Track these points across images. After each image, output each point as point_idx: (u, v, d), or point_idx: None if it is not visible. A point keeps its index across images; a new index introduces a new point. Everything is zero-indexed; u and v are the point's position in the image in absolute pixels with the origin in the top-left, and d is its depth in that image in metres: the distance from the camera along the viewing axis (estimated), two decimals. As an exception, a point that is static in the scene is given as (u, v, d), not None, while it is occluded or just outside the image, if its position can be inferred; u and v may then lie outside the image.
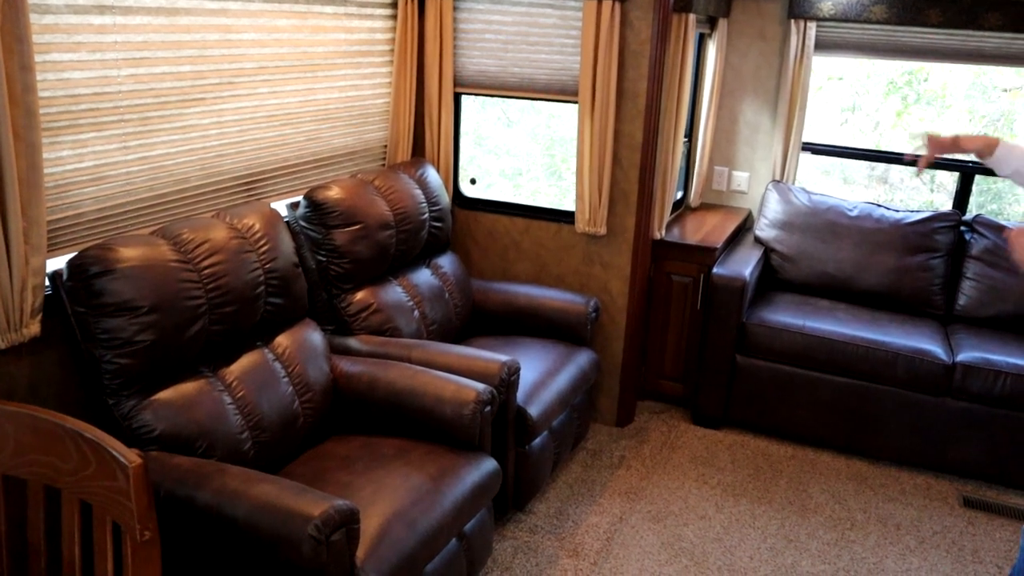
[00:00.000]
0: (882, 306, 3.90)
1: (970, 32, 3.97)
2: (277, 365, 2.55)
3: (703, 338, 3.72)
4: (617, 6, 3.24)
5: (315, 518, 1.86)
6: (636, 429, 3.79)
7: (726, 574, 2.86)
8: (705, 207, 4.47)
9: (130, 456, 1.56)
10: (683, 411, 3.97)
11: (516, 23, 3.50)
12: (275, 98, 2.92)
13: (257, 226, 2.52)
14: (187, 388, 2.27)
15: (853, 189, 6.07)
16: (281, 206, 3.01)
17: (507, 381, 2.73)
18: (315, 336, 2.73)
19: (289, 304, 2.62)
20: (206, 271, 2.30)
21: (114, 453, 1.57)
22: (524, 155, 6.42)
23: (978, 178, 5.10)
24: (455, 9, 3.55)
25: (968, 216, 3.99)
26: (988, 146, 2.40)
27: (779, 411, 3.68)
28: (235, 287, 2.37)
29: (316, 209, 2.91)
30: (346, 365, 2.76)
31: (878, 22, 4.01)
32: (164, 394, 2.21)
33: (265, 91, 2.86)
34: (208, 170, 2.71)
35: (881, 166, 5.87)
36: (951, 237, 3.87)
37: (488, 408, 2.55)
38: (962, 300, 3.83)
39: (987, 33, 3.95)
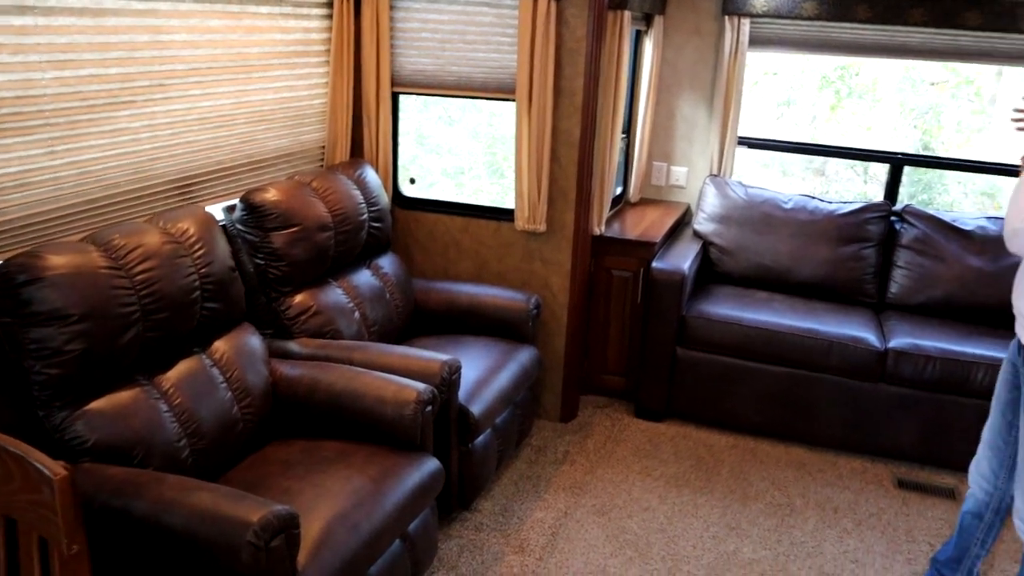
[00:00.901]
0: (818, 296, 3.99)
1: (897, 28, 4.08)
2: (215, 371, 2.52)
3: (644, 332, 3.76)
4: (553, 4, 3.26)
5: (254, 524, 1.85)
6: (580, 424, 3.83)
7: (669, 563, 2.91)
8: (645, 202, 4.52)
9: (55, 468, 1.53)
10: (626, 405, 4.02)
11: (453, 22, 3.50)
12: (208, 100, 2.88)
13: (191, 230, 2.49)
14: (122, 397, 2.23)
15: (792, 181, 6.19)
16: (217, 210, 2.97)
17: (448, 380, 2.74)
18: (254, 340, 2.71)
19: (226, 309, 2.59)
20: (139, 277, 2.26)
21: (38, 466, 1.54)
22: (466, 154, 6.42)
23: (908, 169, 5.25)
24: (392, 8, 3.53)
25: (898, 206, 4.10)
26: None
27: (720, 402, 3.74)
28: (169, 293, 2.33)
29: (253, 212, 2.88)
30: (286, 369, 2.74)
31: (809, 18, 4.10)
32: (97, 404, 2.17)
33: (198, 93, 2.82)
34: (140, 174, 2.66)
35: (819, 159, 6.00)
36: (882, 227, 3.97)
37: (429, 408, 2.55)
38: (894, 288, 3.94)
39: (912, 29, 4.06)
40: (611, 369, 3.98)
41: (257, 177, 3.22)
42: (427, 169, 6.34)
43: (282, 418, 2.70)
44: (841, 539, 3.11)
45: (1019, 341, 2.24)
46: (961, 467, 3.16)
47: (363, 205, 3.29)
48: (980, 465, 2.53)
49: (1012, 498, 2.44)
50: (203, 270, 2.46)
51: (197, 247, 2.47)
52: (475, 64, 3.53)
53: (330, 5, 3.40)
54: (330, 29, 3.43)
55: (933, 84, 6.00)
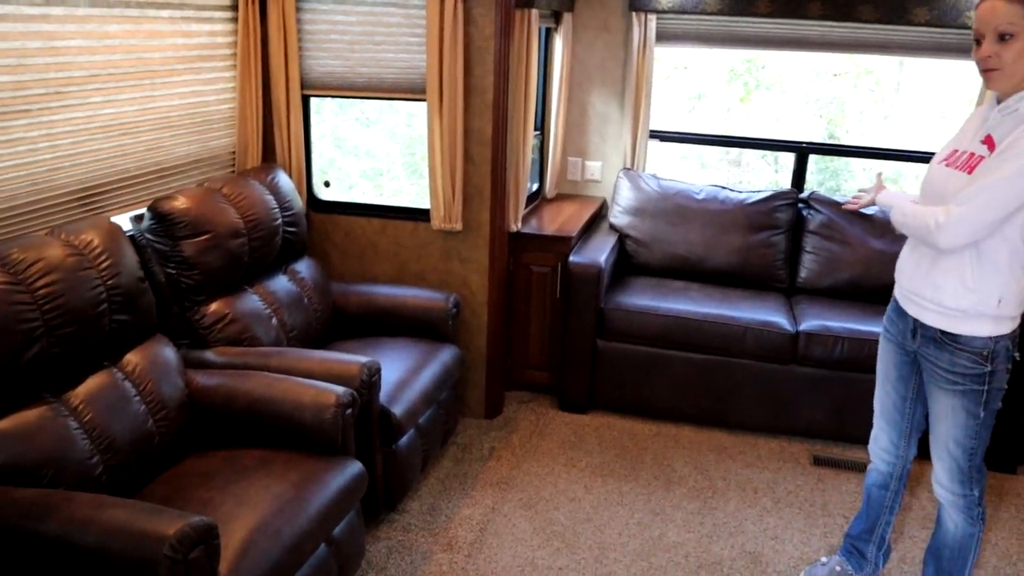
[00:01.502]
0: (732, 283, 4.10)
1: (797, 21, 4.20)
2: (127, 384, 2.46)
3: (564, 326, 3.81)
4: (460, 4, 3.27)
5: (170, 537, 1.82)
6: (505, 420, 3.85)
7: (596, 552, 2.95)
8: (561, 197, 4.57)
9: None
10: (550, 398, 4.06)
11: (361, 23, 3.49)
12: (111, 107, 2.81)
13: (96, 242, 2.42)
14: (27, 416, 2.17)
15: (710, 172, 6.34)
16: (124, 219, 2.90)
17: (368, 382, 2.73)
18: (167, 351, 2.65)
19: (136, 320, 2.53)
20: (40, 292, 2.19)
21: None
22: (384, 155, 6.38)
23: (817, 157, 5.43)
24: (298, 10, 3.50)
25: (805, 193, 4.23)
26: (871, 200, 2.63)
27: (641, 391, 3.81)
28: (74, 307, 2.27)
29: (161, 221, 2.82)
30: (202, 379, 2.69)
31: (713, 13, 4.20)
32: (1, 424, 2.10)
33: (99, 100, 2.75)
34: (40, 186, 2.58)
35: (735, 150, 6.15)
36: (790, 214, 4.10)
37: (349, 411, 2.54)
38: (803, 273, 4.07)
39: (811, 22, 4.19)
40: (534, 364, 4.02)
41: (166, 185, 3.15)
42: (345, 172, 6.28)
43: (201, 429, 2.66)
44: (761, 517, 3.20)
45: (915, 322, 2.34)
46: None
47: (276, 210, 3.25)
48: (879, 439, 2.64)
49: (911, 464, 2.60)
50: (110, 282, 2.40)
51: (102, 259, 2.41)
52: (385, 65, 3.52)
53: (235, 8, 3.34)
54: (236, 32, 3.37)
55: (836, 75, 6.20)
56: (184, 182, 3.24)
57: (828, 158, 5.98)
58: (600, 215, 4.48)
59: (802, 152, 4.50)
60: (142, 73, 2.92)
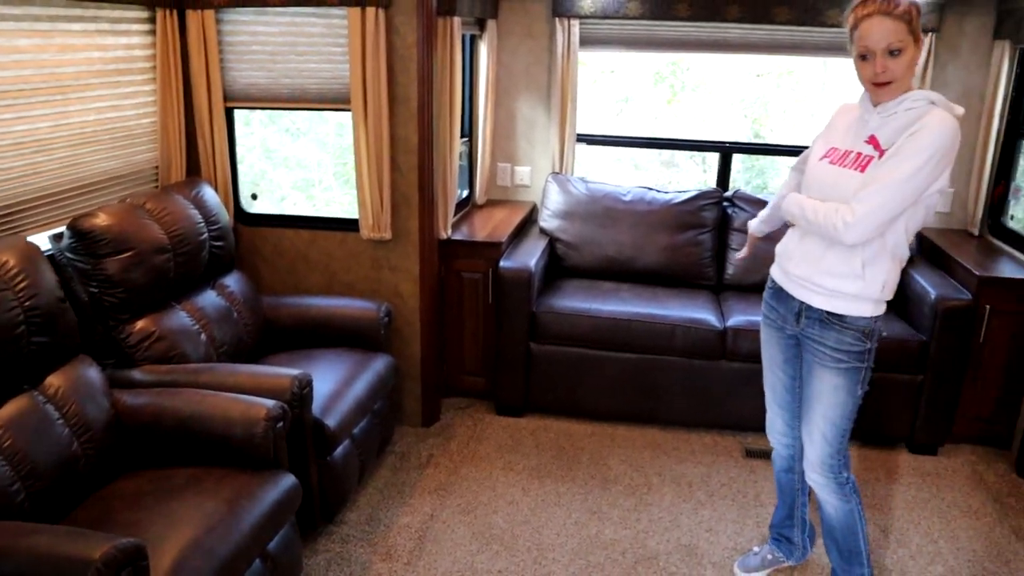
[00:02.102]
0: (661, 282, 4.17)
1: (716, 24, 4.31)
2: (49, 407, 2.41)
3: (497, 331, 3.84)
4: (381, 13, 3.28)
5: (95, 561, 1.79)
6: (442, 427, 3.86)
7: (535, 553, 2.98)
8: (492, 203, 4.60)
9: None
10: (487, 403, 4.08)
11: (283, 33, 3.47)
12: (22, 123, 2.75)
13: (12, 262, 2.37)
14: (-57, 444, 2.11)
15: (643, 174, 6.44)
16: (43, 239, 2.84)
17: (299, 395, 2.71)
18: (91, 372, 2.60)
19: (57, 342, 2.48)
20: (-47, 316, 2.14)
21: None
22: (316, 165, 6.34)
23: (743, 156, 5.56)
24: (218, 21, 3.46)
25: (729, 192, 4.33)
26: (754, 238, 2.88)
27: (576, 392, 3.86)
28: (-10, 330, 2.22)
29: (82, 239, 2.77)
30: (129, 398, 2.65)
31: (634, 17, 4.27)
32: (-85, 453, 2.04)
33: (10, 116, 2.69)
34: (-50, 207, 2.52)
35: (668, 152, 6.26)
36: (716, 213, 4.19)
37: (280, 424, 2.53)
38: (730, 270, 4.17)
39: (730, 24, 4.30)
40: (469, 370, 4.04)
41: (87, 202, 3.09)
42: (276, 183, 6.22)
43: (130, 450, 2.61)
44: (696, 511, 3.27)
45: (801, 305, 2.44)
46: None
47: (202, 224, 3.21)
48: (775, 425, 2.75)
49: None
50: (27, 303, 2.35)
51: (19, 279, 2.35)
52: (309, 75, 3.51)
53: (152, 20, 3.30)
54: (154, 45, 3.33)
55: (759, 75, 6.35)
56: (106, 199, 3.18)
57: (754, 157, 6.11)
58: (530, 220, 4.52)
59: (725, 152, 4.60)
60: (55, 88, 2.86)
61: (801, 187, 2.46)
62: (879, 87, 2.21)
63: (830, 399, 2.42)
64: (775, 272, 2.59)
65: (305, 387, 2.75)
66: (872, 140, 2.26)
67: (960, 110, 2.20)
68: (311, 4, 3.33)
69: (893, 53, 2.14)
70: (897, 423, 3.72)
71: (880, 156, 2.22)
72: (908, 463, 3.67)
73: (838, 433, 2.45)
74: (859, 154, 2.28)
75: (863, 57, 2.19)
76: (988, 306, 3.59)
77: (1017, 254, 3.89)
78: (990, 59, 4.14)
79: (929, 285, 3.66)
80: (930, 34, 4.05)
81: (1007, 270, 3.71)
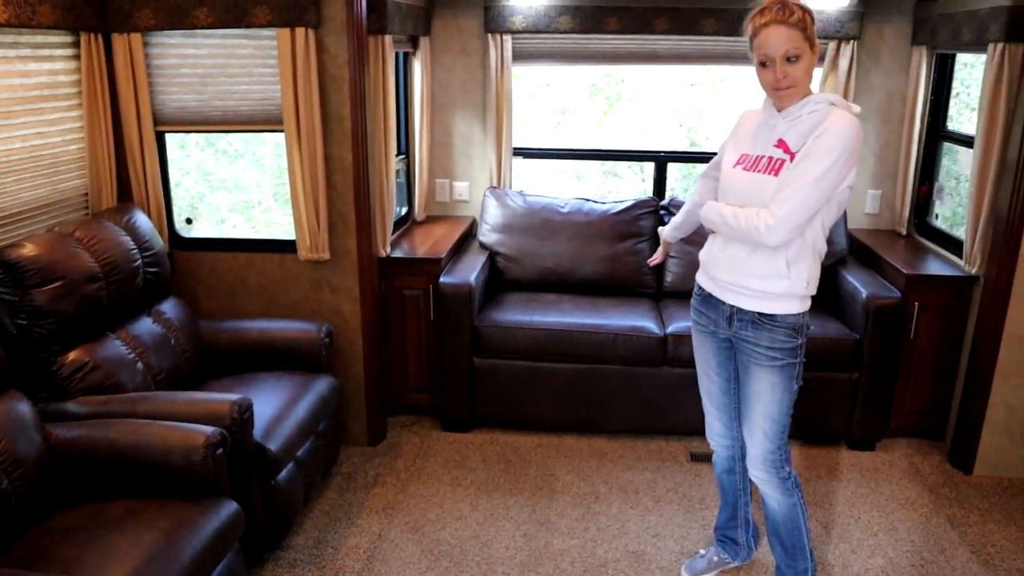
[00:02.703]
0: (602, 292, 4.21)
1: (645, 36, 4.38)
2: (-22, 444, 2.35)
3: (440, 346, 3.84)
4: (311, 33, 3.27)
5: (28, 600, 1.75)
6: (389, 445, 3.85)
7: (484, 568, 2.98)
8: (432, 219, 4.60)
9: None
10: (433, 420, 4.07)
11: (212, 55, 3.44)
12: (-58, 155, 2.68)
13: (-66, 297, 2.31)
14: None
15: (586, 184, 6.51)
16: (-33, 272, 2.77)
17: (239, 420, 2.68)
18: (21, 407, 2.54)
19: (-16, 376, 2.42)
20: None
21: None
22: (255, 186, 6.28)
23: (681, 164, 5.65)
24: (145, 45, 3.42)
25: (665, 201, 4.40)
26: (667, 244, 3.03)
27: (521, 405, 3.88)
28: (-88, 367, 2.16)
29: (8, 270, 2.71)
30: (62, 431, 2.59)
31: (566, 32, 4.33)
32: None
33: (-71, 149, 2.63)
34: None
35: (609, 162, 6.33)
36: (652, 221, 4.25)
37: (220, 451, 2.50)
38: (669, 277, 4.23)
39: (659, 36, 4.38)
40: (414, 386, 4.03)
41: (12, 232, 3.02)
42: (215, 206, 6.15)
43: (66, 484, 2.55)
44: (643, 517, 3.30)
45: (732, 308, 2.49)
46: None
47: (135, 251, 3.16)
48: (714, 428, 2.80)
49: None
50: (-49, 338, 2.29)
51: (-58, 315, 2.29)
52: (240, 97, 3.49)
53: (76, 45, 3.25)
54: (79, 70, 3.28)
55: (692, 85, 6.47)
56: (33, 228, 3.11)
57: (691, 165, 6.20)
58: (471, 234, 4.54)
59: (660, 161, 4.68)
60: (-25, 117, 2.80)
61: (718, 194, 2.52)
62: (780, 92, 2.29)
63: (768, 397, 2.48)
64: (702, 279, 2.64)
65: (245, 412, 2.72)
66: (781, 144, 2.33)
67: (857, 108, 2.31)
68: (240, 26, 3.31)
69: (791, 59, 2.23)
70: (835, 420, 3.80)
71: (791, 159, 2.30)
72: (847, 459, 3.76)
73: (778, 429, 2.51)
74: (771, 159, 2.35)
75: (763, 64, 2.28)
76: (917, 303, 3.70)
77: (943, 252, 4.02)
78: (909, 64, 4.28)
79: (860, 285, 3.75)
80: (852, 41, 4.19)
81: (933, 268, 3.83)
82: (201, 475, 2.46)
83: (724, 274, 2.48)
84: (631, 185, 6.50)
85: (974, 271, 3.64)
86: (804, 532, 2.63)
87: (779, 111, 2.35)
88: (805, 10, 2.25)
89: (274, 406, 3.05)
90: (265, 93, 3.46)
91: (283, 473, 2.95)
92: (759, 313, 2.44)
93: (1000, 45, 3.38)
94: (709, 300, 2.59)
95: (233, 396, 2.74)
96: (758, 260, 2.38)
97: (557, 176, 6.46)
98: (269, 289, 3.67)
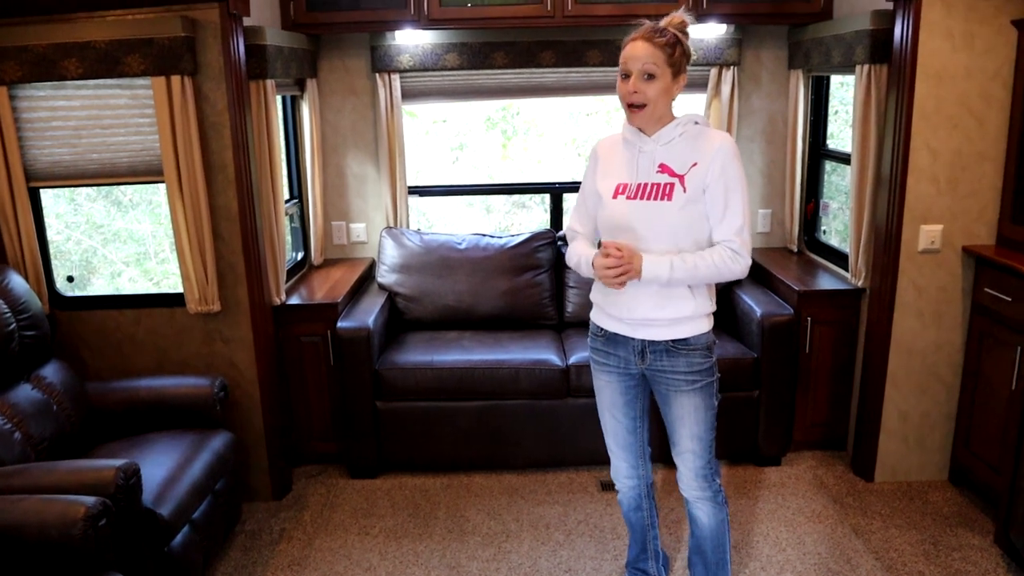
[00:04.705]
0: (504, 326, 4.20)
1: (532, 70, 4.42)
2: None
3: (342, 392, 3.75)
4: (188, 80, 3.20)
5: None
6: (295, 497, 3.73)
7: (395, 619, 2.90)
8: (329, 263, 4.53)
9: None
10: (340, 468, 3.97)
11: (85, 107, 3.32)
12: None
13: None
14: None
15: (496, 216, 6.51)
16: None
17: (125, 486, 2.55)
18: None
19: None
20: None
21: None
22: (150, 237, 6.09)
23: (572, 196, 5.68)
24: (12, 98, 3.28)
25: (562, 232, 4.42)
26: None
27: (428, 446, 3.81)
28: None
29: None
30: (-71, 514, 2.42)
31: (454, 69, 4.34)
32: None
33: None
34: None
35: (517, 195, 6.36)
36: (550, 253, 4.27)
37: (103, 521, 2.37)
38: (569, 307, 4.24)
39: (547, 69, 4.43)
40: (319, 435, 3.93)
41: None
42: (109, 260, 5.94)
43: (-68, 570, 2.39)
44: (555, 552, 3.27)
45: (643, 343, 2.48)
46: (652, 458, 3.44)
47: (9, 315, 3.01)
48: (620, 469, 2.76)
49: (652, 477, 2.80)
50: None
51: None
52: (118, 149, 3.37)
53: (-64, 103, 3.10)
54: (-60, 130, 3.13)
55: (588, 115, 6.57)
56: None
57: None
58: (370, 276, 4.48)
59: (556, 192, 4.71)
60: None
61: (603, 229, 2.48)
62: (631, 108, 2.32)
63: (692, 419, 2.49)
64: (602, 320, 2.56)
65: (131, 477, 2.59)
66: (665, 168, 2.35)
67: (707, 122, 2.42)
68: (113, 75, 3.21)
69: (647, 77, 2.26)
70: (741, 439, 3.85)
71: (680, 181, 2.32)
72: (754, 476, 3.81)
73: (706, 446, 2.52)
74: (657, 185, 2.35)
75: (624, 76, 2.31)
76: (809, 318, 3.80)
77: (832, 267, 4.14)
78: (788, 87, 4.43)
79: (755, 304, 3.83)
80: (732, 67, 4.31)
81: (824, 282, 3.94)
82: (82, 550, 2.33)
83: (630, 313, 2.44)
84: (539, 216, 6.54)
85: (860, 284, 3.76)
86: (727, 549, 2.65)
87: (649, 136, 2.37)
88: (679, 39, 2.28)
89: (166, 467, 2.93)
90: (144, 143, 3.36)
91: (178, 538, 2.82)
92: (672, 341, 2.43)
93: (867, 66, 3.52)
94: (614, 340, 2.54)
95: (118, 461, 2.61)
96: (662, 290, 2.38)
97: (466, 210, 6.46)
98: (160, 345, 3.54)
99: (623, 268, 2.30)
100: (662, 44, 2.25)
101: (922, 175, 3.40)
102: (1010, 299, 3.21)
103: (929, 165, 3.39)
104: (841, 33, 3.72)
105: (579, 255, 2.52)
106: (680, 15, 2.33)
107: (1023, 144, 3.30)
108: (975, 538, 3.29)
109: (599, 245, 2.44)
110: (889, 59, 3.46)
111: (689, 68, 2.38)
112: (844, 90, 4.67)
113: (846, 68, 3.77)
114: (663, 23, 2.30)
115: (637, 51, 2.26)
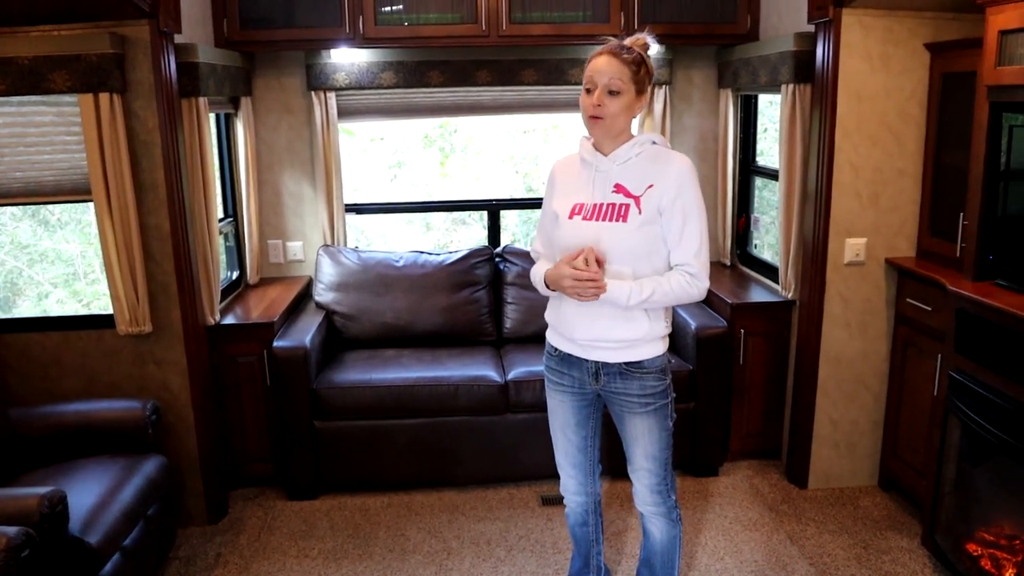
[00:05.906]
0: (443, 343, 4.19)
1: (468, 88, 4.46)
2: None
3: (279, 412, 3.71)
4: (117, 98, 3.14)
5: None
6: (231, 521, 3.66)
7: (335, 642, 2.87)
8: (266, 282, 4.48)
9: None
10: (277, 489, 3.91)
11: (8, 124, 3.24)
12: None
13: None
14: None
15: (436, 234, 6.50)
16: None
17: (50, 515, 2.48)
18: None
19: None
20: None
21: None
22: (80, 257, 5.94)
23: (519, 212, 5.74)
24: (-70, 117, 3.20)
25: (500, 248, 4.45)
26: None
27: (368, 465, 3.78)
28: None
29: None
30: None
31: (390, 87, 4.34)
32: None
33: None
34: None
35: (457, 212, 6.36)
36: (488, 269, 4.29)
37: (25, 552, 2.30)
38: (508, 323, 4.26)
39: (482, 88, 4.47)
40: (256, 456, 3.87)
41: None
42: (35, 281, 5.78)
43: None
44: (496, 568, 3.26)
45: (597, 364, 2.47)
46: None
47: (-72, 339, 2.91)
48: (568, 486, 2.76)
49: (600, 494, 2.80)
50: None
51: None
52: (43, 167, 3.29)
53: None
54: None
55: (526, 132, 6.62)
56: None
57: (529, 211, 6.32)
58: (307, 295, 4.44)
59: (493, 209, 4.74)
60: None
61: (558, 250, 2.44)
62: (593, 120, 2.32)
63: (647, 439, 2.49)
64: (556, 341, 2.56)
65: (56, 505, 2.52)
66: (620, 189, 2.35)
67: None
68: (37, 92, 3.13)
69: (612, 92, 2.28)
70: (679, 450, 3.85)
71: (636, 202, 2.32)
72: (692, 487, 3.87)
73: (661, 464, 2.53)
74: (613, 205, 2.35)
75: (588, 90, 2.32)
76: (742, 330, 3.88)
77: (764, 280, 4.25)
78: (718, 106, 4.54)
79: (690, 317, 3.90)
80: (664, 86, 4.40)
81: (755, 295, 4.04)
82: (5, 582, 2.25)
83: (583, 333, 2.43)
84: (479, 233, 6.56)
85: (791, 296, 3.86)
86: (676, 565, 2.67)
87: (605, 155, 2.37)
88: (644, 58, 2.32)
89: (95, 494, 2.85)
90: (71, 162, 3.29)
91: (108, 566, 2.74)
92: (626, 364, 2.43)
93: (791, 86, 3.63)
94: (568, 360, 2.53)
95: (42, 490, 2.54)
96: (615, 312, 2.37)
97: (406, 228, 6.44)
98: (89, 368, 3.46)
99: (596, 282, 2.28)
100: (628, 61, 2.27)
101: (846, 190, 3.51)
102: (930, 309, 3.33)
103: (852, 181, 3.51)
104: (767, 54, 3.83)
105: (539, 275, 2.49)
106: (644, 37, 2.35)
107: (939, 160, 3.44)
108: (903, 541, 3.38)
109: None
110: (812, 79, 3.57)
111: None
112: (772, 108, 4.80)
113: (772, 87, 3.88)
114: (628, 42, 2.32)
115: (603, 66, 2.28)
